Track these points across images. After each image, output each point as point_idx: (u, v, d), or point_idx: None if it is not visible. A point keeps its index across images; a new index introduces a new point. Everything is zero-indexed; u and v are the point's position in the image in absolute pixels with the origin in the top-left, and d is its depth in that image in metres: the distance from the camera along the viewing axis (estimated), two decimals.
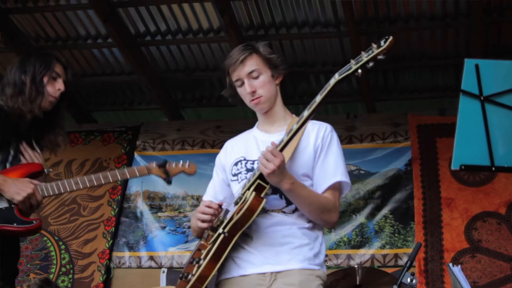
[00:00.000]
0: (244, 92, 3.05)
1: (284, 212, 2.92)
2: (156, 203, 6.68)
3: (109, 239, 6.54)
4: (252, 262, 2.88)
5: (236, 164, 3.07)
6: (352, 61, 2.65)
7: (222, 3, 5.81)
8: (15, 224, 3.12)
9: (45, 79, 3.39)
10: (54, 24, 6.30)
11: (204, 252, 2.86)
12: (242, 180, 3.01)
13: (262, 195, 2.82)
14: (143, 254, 6.51)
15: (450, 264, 3.30)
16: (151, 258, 6.48)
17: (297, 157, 2.96)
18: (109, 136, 7.00)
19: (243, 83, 3.04)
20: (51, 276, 6.41)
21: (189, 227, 6.48)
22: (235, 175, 3.05)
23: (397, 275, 3.95)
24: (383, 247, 6.08)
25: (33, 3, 6.14)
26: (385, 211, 6.19)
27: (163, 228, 6.56)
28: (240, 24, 6.06)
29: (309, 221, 2.94)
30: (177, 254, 6.42)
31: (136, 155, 6.87)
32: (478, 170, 2.48)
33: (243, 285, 2.87)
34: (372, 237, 6.13)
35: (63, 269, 6.47)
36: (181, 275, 2.89)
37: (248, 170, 3.01)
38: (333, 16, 5.92)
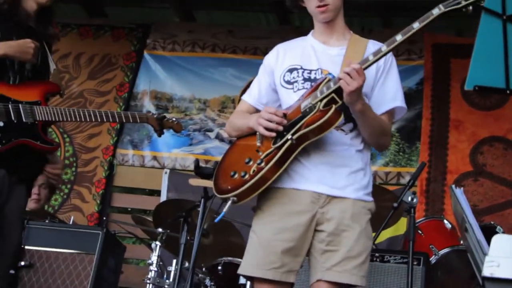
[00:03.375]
0: None
1: (342, 130, 2.87)
2: (163, 103, 6.65)
3: (113, 136, 6.55)
4: (307, 178, 2.84)
5: (291, 71, 2.99)
6: None
7: None
8: (39, 142, 3.34)
9: None
10: None
11: (263, 155, 2.79)
12: (298, 89, 2.93)
13: None
14: (147, 153, 6.53)
15: (453, 186, 3.28)
16: (155, 158, 6.51)
17: None
18: (119, 33, 6.91)
19: None
20: None
21: (194, 130, 6.49)
22: (289, 82, 2.97)
23: (398, 193, 3.95)
24: (386, 164, 6.08)
25: None
26: (391, 128, 6.14)
27: None
28: None
29: (362, 142, 2.92)
30: (180, 156, 6.44)
31: (146, 53, 6.81)
32: (492, 92, 2.41)
33: (294, 199, 2.83)
34: (376, 154, 6.11)
35: (66, 162, 6.50)
36: (232, 173, 2.81)
37: (305, 80, 2.94)
38: None
